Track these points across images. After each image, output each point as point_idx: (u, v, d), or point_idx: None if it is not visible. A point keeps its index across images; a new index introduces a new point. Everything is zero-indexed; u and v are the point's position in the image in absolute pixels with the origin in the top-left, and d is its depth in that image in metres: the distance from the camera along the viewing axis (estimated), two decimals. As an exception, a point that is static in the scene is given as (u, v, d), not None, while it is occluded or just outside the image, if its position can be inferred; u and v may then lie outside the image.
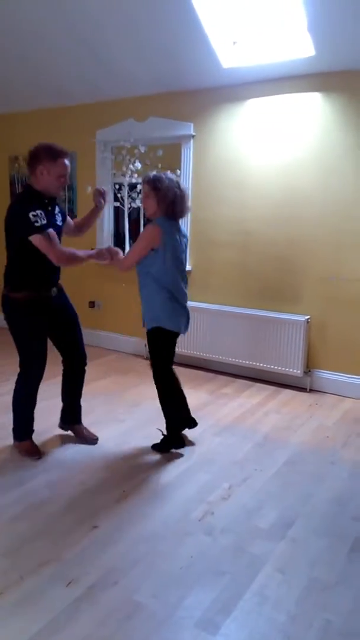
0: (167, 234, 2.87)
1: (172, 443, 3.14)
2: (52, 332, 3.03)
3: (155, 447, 3.14)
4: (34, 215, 2.62)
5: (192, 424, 3.29)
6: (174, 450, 3.11)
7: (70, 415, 3.26)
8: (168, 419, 3.15)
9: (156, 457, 3.05)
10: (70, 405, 3.25)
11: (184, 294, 3.04)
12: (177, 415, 3.18)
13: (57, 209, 2.91)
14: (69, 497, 2.60)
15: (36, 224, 2.62)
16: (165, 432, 3.16)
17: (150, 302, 2.99)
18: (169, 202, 2.86)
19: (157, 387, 3.12)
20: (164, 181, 2.86)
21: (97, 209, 3.24)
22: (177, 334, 3.07)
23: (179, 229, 2.99)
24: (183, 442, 3.17)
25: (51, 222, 2.75)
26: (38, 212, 2.63)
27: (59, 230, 2.88)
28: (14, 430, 3.08)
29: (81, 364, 3.18)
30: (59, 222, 2.90)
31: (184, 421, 3.24)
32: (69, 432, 3.28)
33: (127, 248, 4.90)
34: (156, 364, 3.10)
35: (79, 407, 3.27)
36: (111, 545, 2.25)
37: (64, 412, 3.28)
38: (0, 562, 2.12)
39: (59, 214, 2.94)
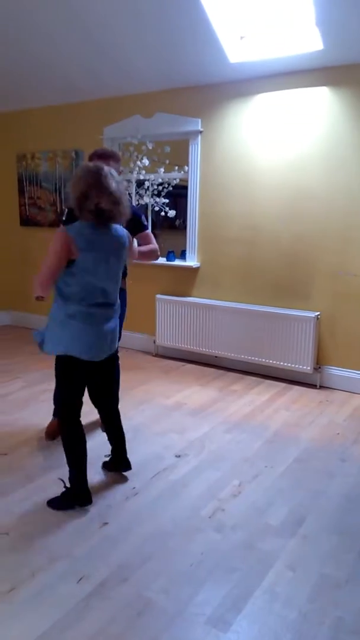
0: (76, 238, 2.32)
1: (75, 499, 2.49)
2: None
3: (52, 504, 2.48)
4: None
5: (123, 466, 2.78)
6: (78, 508, 2.47)
7: None
8: (70, 468, 2.53)
9: (165, 454, 3.05)
10: None
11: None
12: (81, 467, 2.53)
13: None
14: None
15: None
16: (67, 484, 2.54)
17: (53, 323, 2.45)
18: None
19: (117, 405, 2.80)
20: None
21: None
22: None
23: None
24: (89, 498, 2.50)
25: None
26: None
27: None
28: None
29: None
30: None
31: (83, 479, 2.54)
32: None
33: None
34: (61, 403, 2.62)
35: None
36: (122, 541, 2.25)
37: None
38: (12, 558, 2.14)
39: None
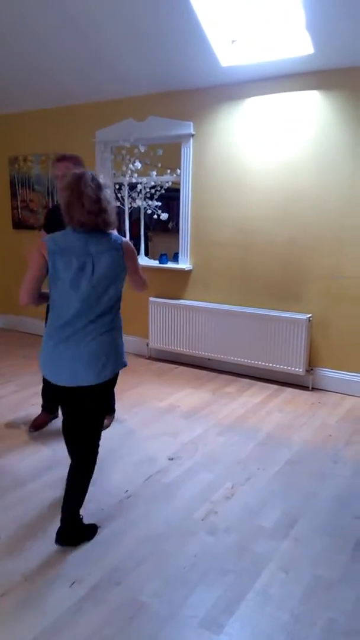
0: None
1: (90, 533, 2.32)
2: None
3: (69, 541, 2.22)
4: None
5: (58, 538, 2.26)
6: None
7: None
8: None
9: (158, 457, 3.05)
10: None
11: None
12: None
13: None
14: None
15: None
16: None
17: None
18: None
19: (89, 461, 2.28)
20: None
21: None
22: None
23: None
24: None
25: None
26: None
27: None
28: None
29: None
30: None
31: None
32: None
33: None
34: (99, 424, 2.31)
35: None
36: (114, 545, 2.25)
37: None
38: (3, 562, 2.13)
39: None
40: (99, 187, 2.09)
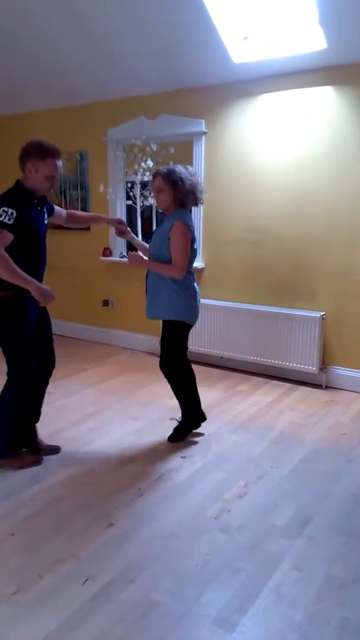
0: (192, 227, 2.99)
1: (190, 427, 3.28)
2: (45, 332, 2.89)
3: (173, 438, 3.22)
4: (3, 211, 2.49)
5: (203, 418, 3.32)
6: (194, 431, 3.28)
7: (26, 434, 2.99)
8: (187, 410, 3.26)
9: (171, 455, 3.05)
10: (28, 419, 2.98)
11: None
12: (197, 406, 3.29)
13: (45, 206, 2.80)
14: (84, 495, 2.61)
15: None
16: (179, 420, 3.28)
17: (178, 295, 3.03)
18: (187, 192, 2.93)
19: (176, 380, 3.20)
20: (177, 173, 2.92)
21: (108, 224, 3.45)
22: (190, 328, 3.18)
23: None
24: (203, 416, 3.30)
25: (29, 224, 2.61)
26: (10, 210, 2.50)
27: (44, 230, 2.79)
28: (1, 447, 2.82)
29: (50, 371, 2.97)
30: (45, 222, 2.80)
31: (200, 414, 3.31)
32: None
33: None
34: (175, 356, 3.18)
35: (37, 421, 3.05)
36: (127, 543, 2.26)
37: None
38: (17, 559, 2.14)
39: (46, 212, 2.82)
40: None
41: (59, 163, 2.65)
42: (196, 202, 3.04)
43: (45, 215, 2.82)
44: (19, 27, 4.17)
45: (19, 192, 2.63)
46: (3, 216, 2.50)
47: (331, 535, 2.33)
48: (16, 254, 2.55)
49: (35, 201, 2.69)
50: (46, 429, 3.33)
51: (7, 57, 4.67)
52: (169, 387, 3.19)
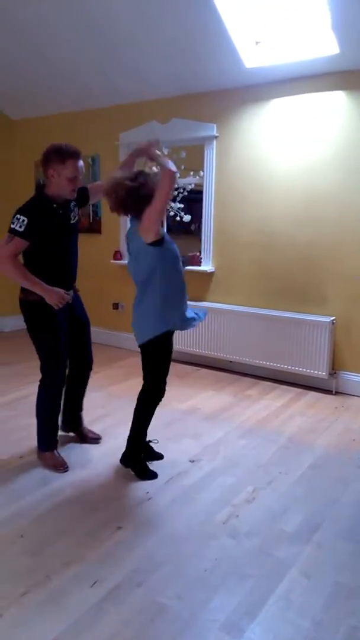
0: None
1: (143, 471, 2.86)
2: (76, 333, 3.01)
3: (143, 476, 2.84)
4: (17, 218, 2.59)
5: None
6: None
7: (72, 422, 3.23)
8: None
9: (180, 458, 3.05)
10: (72, 410, 3.20)
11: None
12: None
13: (72, 204, 2.82)
14: (93, 498, 2.61)
15: (12, 225, 2.59)
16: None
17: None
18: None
19: (145, 407, 2.84)
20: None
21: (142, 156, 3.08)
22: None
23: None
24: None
25: (45, 230, 2.65)
26: (22, 218, 2.58)
27: (71, 231, 2.83)
28: (39, 440, 2.99)
29: (88, 370, 3.16)
30: (72, 221, 2.82)
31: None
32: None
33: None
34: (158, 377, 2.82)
35: (81, 411, 3.25)
36: (135, 546, 2.26)
37: (65, 416, 3.18)
38: (26, 561, 2.15)
39: (75, 208, 2.85)
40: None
41: (80, 164, 2.68)
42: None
43: (73, 215, 2.83)
44: (33, 31, 4.21)
45: (37, 200, 2.71)
46: (15, 224, 2.59)
47: (340, 542, 2.31)
48: (37, 259, 2.70)
49: (55, 205, 2.71)
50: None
51: (21, 61, 4.71)
52: (179, 390, 3.18)
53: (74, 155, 2.65)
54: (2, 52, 4.66)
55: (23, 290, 2.76)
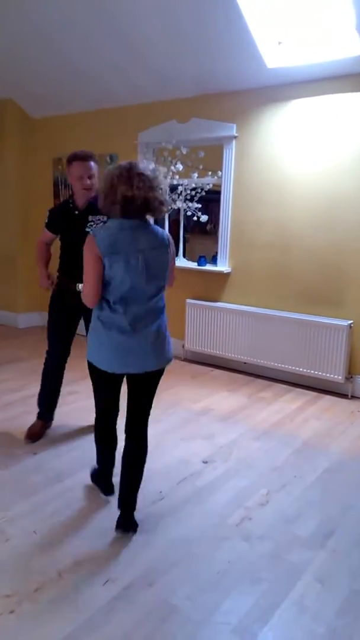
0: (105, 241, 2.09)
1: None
2: (70, 328, 3.18)
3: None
4: (47, 213, 3.14)
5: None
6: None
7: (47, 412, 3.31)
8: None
9: (193, 460, 3.03)
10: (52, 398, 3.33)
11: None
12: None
13: (98, 217, 2.85)
14: (106, 497, 2.60)
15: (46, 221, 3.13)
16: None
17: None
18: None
19: (143, 447, 2.45)
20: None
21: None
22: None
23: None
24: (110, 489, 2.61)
25: (62, 228, 3.04)
26: (49, 213, 3.12)
27: (85, 234, 2.80)
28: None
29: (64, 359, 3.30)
30: (87, 229, 2.81)
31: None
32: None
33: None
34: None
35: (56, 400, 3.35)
36: (148, 546, 2.24)
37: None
38: (39, 557, 2.15)
39: (100, 222, 2.82)
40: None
41: (89, 164, 2.85)
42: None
43: (89, 224, 2.88)
44: (54, 31, 4.23)
45: (62, 202, 3.19)
46: (47, 217, 3.14)
47: (355, 548, 2.27)
48: (61, 249, 3.12)
49: (70, 205, 2.99)
50: (66, 428, 3.36)
51: (42, 60, 4.73)
52: (192, 390, 3.15)
53: (80, 157, 2.85)
54: (26, 53, 4.69)
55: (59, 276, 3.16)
